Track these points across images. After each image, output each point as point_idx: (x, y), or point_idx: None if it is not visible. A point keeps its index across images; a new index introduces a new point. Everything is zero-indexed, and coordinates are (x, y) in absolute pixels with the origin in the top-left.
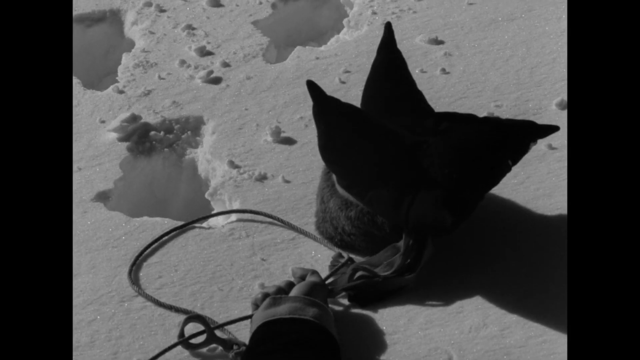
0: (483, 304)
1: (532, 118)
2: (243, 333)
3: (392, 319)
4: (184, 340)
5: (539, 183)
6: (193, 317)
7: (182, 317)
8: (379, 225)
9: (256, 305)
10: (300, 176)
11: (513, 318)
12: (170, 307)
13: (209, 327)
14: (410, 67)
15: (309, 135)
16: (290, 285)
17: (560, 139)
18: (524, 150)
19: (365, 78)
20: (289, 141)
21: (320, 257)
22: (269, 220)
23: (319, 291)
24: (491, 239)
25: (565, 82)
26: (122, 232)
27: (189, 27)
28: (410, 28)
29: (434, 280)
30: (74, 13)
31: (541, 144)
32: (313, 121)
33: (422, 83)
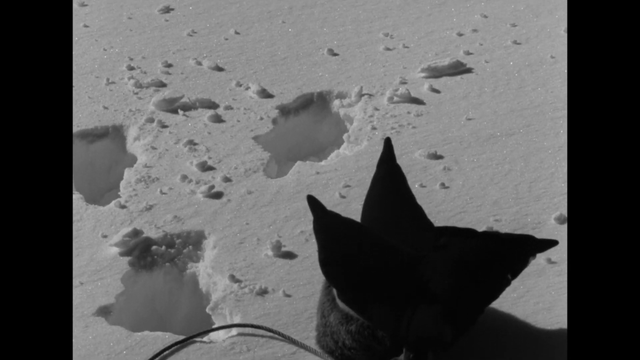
0: None
1: (531, 232)
2: None
3: None
4: None
5: (538, 297)
6: None
7: None
8: (380, 339)
9: None
10: (301, 290)
11: None
12: None
13: None
14: (409, 182)
15: (309, 249)
16: None
17: (559, 253)
18: (523, 264)
19: (365, 192)
20: (290, 255)
21: None
22: (269, 334)
23: None
24: (491, 353)
25: (564, 196)
26: (123, 347)
27: (191, 143)
28: (409, 143)
29: None
30: (77, 129)
31: (540, 258)
32: (313, 235)
33: (422, 197)
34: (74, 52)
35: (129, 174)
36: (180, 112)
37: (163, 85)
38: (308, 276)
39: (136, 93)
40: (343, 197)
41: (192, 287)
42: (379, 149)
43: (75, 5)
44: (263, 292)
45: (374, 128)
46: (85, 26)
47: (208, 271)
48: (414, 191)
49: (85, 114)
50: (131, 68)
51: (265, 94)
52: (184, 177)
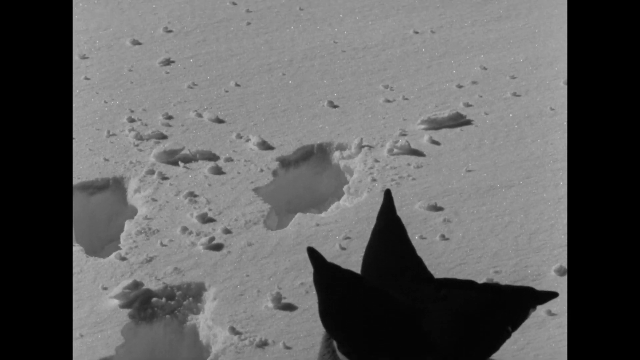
0: None
1: (531, 284)
2: None
3: None
4: None
5: (538, 349)
6: None
7: None
8: None
9: None
10: (302, 342)
11: None
12: None
13: None
14: (409, 234)
15: (309, 301)
16: None
17: (559, 305)
18: (524, 316)
19: (365, 244)
20: (290, 307)
21: None
22: None
23: None
24: None
25: (564, 248)
26: None
27: (191, 195)
28: (409, 195)
29: None
30: (78, 181)
31: (540, 310)
32: (314, 287)
33: (422, 249)
34: (74, 105)
35: (129, 226)
36: (181, 164)
37: (164, 137)
38: (308, 328)
39: (137, 145)
40: (343, 248)
41: (192, 339)
42: (379, 200)
43: (76, 58)
44: (263, 344)
45: (374, 180)
46: (86, 78)
47: (208, 323)
48: (414, 243)
49: (85, 166)
50: (132, 120)
51: (265, 145)
52: (185, 229)
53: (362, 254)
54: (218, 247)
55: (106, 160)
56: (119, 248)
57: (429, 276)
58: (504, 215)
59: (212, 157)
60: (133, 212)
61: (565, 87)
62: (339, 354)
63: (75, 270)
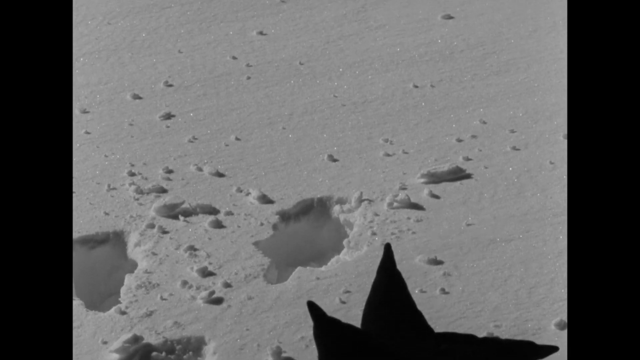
0: None
1: (531, 338)
2: None
3: None
4: None
5: None
6: None
7: None
8: None
9: None
10: None
11: None
12: None
13: None
14: (410, 287)
15: (309, 355)
16: None
17: (559, 359)
18: None
19: (365, 298)
20: None
21: None
22: None
23: None
24: None
25: (564, 302)
26: None
27: (191, 248)
28: (409, 248)
29: None
30: (78, 235)
31: None
32: (314, 341)
33: (422, 303)
34: (75, 159)
35: (129, 280)
36: (181, 217)
37: (164, 191)
38: None
39: (137, 199)
40: (343, 302)
41: None
42: (379, 254)
43: (76, 112)
44: None
45: (374, 234)
46: (87, 133)
47: None
48: (414, 297)
49: (86, 220)
50: (132, 174)
51: (265, 199)
52: (185, 283)
53: (362, 308)
54: (218, 301)
55: (106, 214)
56: (119, 302)
57: (430, 330)
58: (504, 269)
59: (212, 211)
60: (133, 266)
61: (565, 141)
62: None
63: (75, 324)
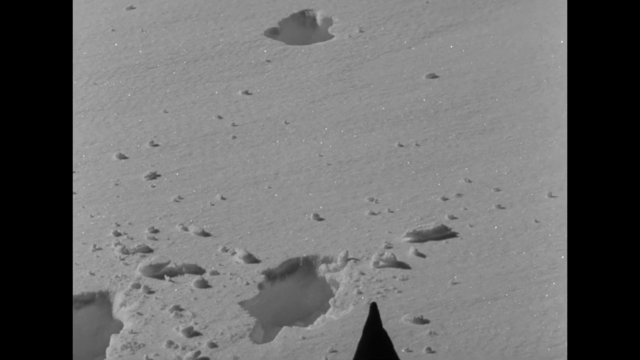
0: None
1: None
2: None
3: None
4: None
5: None
6: None
7: None
8: None
9: None
10: None
11: None
12: None
13: None
14: (396, 347)
15: None
16: None
17: None
18: None
19: (351, 357)
20: None
21: None
22: None
23: None
24: None
25: None
26: None
27: (177, 308)
28: (395, 307)
29: None
30: None
31: None
32: None
33: None
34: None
35: (115, 340)
36: (167, 277)
37: (149, 251)
38: None
39: (123, 259)
40: None
41: None
42: (365, 313)
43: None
44: None
45: (360, 292)
46: (73, 193)
47: None
48: (400, 356)
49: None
50: (118, 234)
51: (251, 259)
52: (170, 343)
53: None
54: None
55: (92, 274)
56: None
57: None
58: (490, 328)
59: (198, 271)
60: (119, 326)
61: (550, 199)
62: None
63: None
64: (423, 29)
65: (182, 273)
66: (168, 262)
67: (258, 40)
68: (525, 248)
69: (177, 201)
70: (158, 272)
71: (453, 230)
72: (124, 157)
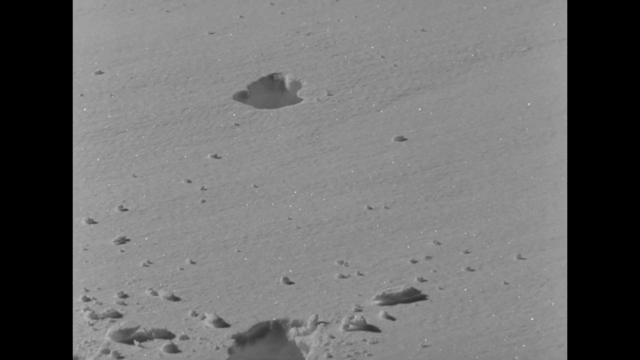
0: None
1: None
2: None
3: None
4: None
5: None
6: None
7: None
8: None
9: None
10: None
11: None
12: None
13: None
14: None
15: None
16: None
17: None
18: None
19: None
20: None
21: None
22: None
23: None
24: None
25: None
26: None
27: None
28: None
29: None
30: None
31: None
32: None
33: None
34: None
35: None
36: (136, 342)
37: (119, 316)
38: None
39: (92, 324)
40: None
41: None
42: None
43: None
44: None
45: (330, 356)
46: None
47: None
48: None
49: None
50: (87, 299)
51: (221, 323)
52: None
53: None
54: None
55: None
56: None
57: None
58: None
59: (168, 336)
60: None
61: (519, 261)
62: None
63: None
64: (391, 92)
65: (151, 338)
66: (137, 327)
67: (227, 104)
68: (495, 310)
69: (147, 265)
70: (127, 337)
71: (423, 292)
72: (93, 222)
